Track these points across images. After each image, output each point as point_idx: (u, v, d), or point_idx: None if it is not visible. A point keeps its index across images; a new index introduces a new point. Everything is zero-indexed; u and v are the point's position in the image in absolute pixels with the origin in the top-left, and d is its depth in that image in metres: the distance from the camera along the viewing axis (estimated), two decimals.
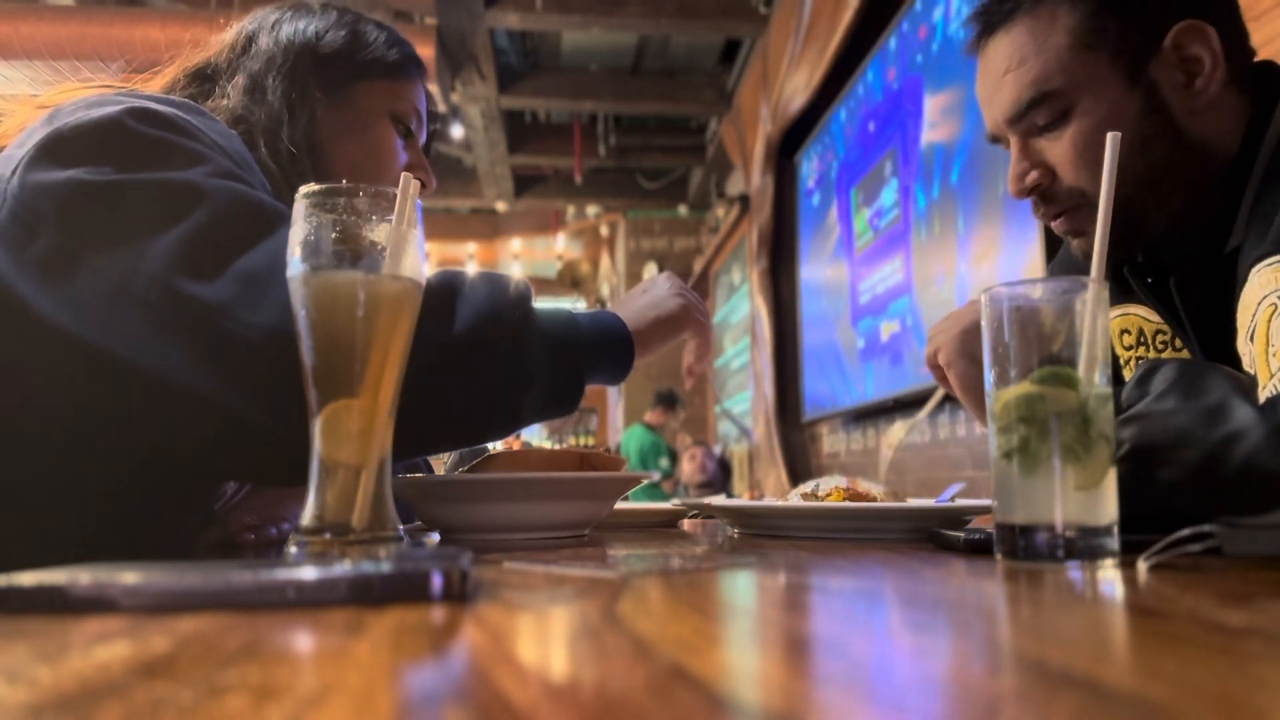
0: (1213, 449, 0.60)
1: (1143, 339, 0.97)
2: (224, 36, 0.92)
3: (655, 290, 0.89)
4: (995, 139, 0.93)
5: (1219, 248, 0.85)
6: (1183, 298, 0.89)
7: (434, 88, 4.65)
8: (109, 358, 0.65)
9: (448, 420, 0.71)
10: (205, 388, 0.64)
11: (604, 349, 0.80)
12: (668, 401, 6.29)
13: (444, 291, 0.71)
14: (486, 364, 0.70)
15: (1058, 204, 0.89)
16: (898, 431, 2.18)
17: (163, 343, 0.64)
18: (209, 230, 0.66)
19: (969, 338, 0.88)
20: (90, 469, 0.73)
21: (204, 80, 0.90)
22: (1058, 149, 0.87)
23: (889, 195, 3.88)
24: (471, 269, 0.75)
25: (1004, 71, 0.88)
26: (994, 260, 2.86)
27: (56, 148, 0.69)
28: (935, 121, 3.39)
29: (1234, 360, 0.79)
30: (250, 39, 0.90)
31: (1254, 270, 0.76)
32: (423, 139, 1.00)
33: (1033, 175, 0.88)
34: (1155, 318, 0.95)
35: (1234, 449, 0.60)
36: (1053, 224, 0.91)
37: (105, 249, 0.66)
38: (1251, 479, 0.59)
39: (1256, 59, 0.89)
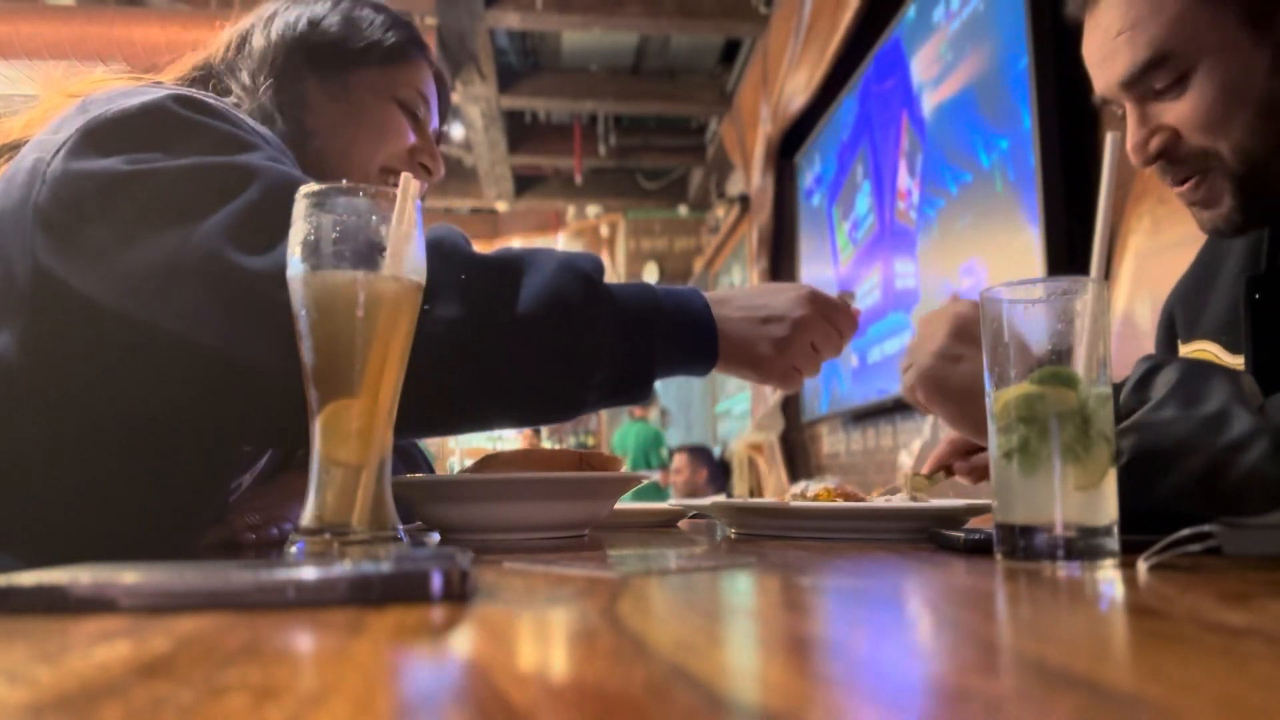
0: (1215, 458, 0.60)
1: None
2: (221, 37, 0.92)
3: (772, 308, 0.79)
4: (1105, 102, 0.85)
5: None
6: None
7: None
8: (159, 333, 0.66)
9: (507, 402, 0.71)
10: (260, 356, 0.65)
11: (682, 337, 0.76)
12: None
13: (506, 269, 0.70)
14: (549, 346, 0.69)
15: (1186, 167, 0.81)
16: (906, 468, 2.18)
17: (215, 314, 0.65)
18: (259, 207, 0.67)
19: (942, 370, 0.78)
20: (113, 460, 0.74)
21: (202, 83, 0.90)
22: (1179, 110, 0.80)
23: (863, 202, 3.59)
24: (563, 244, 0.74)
25: (1117, 33, 0.80)
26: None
27: (100, 135, 0.69)
28: (938, 76, 2.80)
29: None
30: (245, 38, 0.90)
31: None
32: (433, 123, 0.98)
33: (1156, 141, 0.81)
34: (1226, 355, 0.90)
35: (1237, 458, 0.59)
36: (1179, 191, 0.83)
37: (156, 230, 0.66)
38: (1254, 488, 0.59)
39: None
